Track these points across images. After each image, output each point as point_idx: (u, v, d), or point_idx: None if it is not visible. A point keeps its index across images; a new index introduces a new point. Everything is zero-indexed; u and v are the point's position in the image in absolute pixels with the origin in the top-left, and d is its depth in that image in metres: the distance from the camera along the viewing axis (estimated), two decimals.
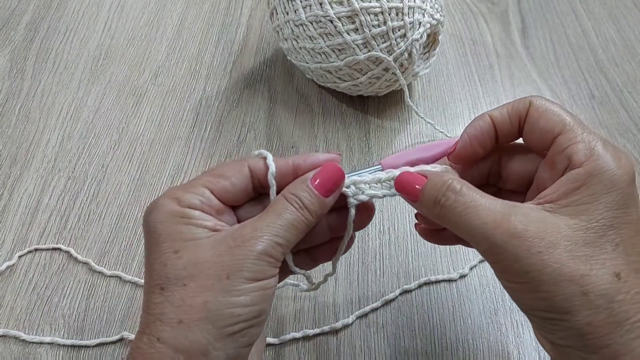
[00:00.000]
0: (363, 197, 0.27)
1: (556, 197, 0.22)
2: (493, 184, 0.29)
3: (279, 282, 0.29)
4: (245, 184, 0.25)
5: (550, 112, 0.24)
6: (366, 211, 0.28)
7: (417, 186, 0.25)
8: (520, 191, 0.27)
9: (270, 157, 0.26)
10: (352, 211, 0.27)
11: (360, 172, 0.28)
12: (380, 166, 0.29)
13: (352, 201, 0.27)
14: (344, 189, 0.26)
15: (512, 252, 0.21)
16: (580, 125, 0.24)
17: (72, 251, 0.39)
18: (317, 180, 0.25)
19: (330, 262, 0.29)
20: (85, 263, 0.39)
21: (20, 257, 0.39)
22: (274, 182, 0.25)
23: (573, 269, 0.20)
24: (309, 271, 0.29)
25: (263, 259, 0.22)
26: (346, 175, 0.27)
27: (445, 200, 0.23)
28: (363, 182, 0.27)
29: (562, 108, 0.25)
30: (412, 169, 0.27)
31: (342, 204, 0.27)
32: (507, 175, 0.28)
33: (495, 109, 0.26)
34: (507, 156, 0.28)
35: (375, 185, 0.27)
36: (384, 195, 0.27)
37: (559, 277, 0.20)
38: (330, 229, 0.28)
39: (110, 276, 0.38)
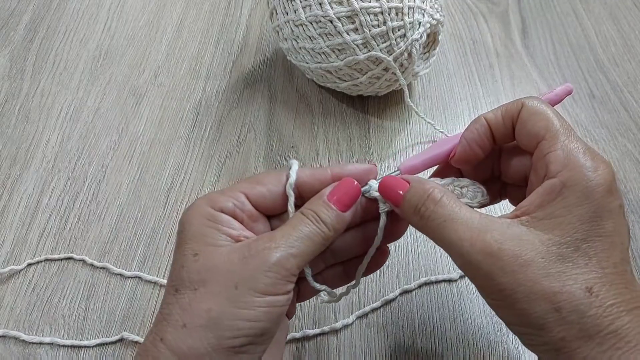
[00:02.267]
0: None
1: (532, 209, 0.22)
2: (497, 177, 0.29)
3: (301, 301, 0.29)
4: (282, 191, 0.25)
5: (538, 115, 0.24)
6: (401, 221, 0.28)
7: (399, 192, 0.25)
8: (523, 185, 0.27)
9: (294, 168, 0.26)
10: (384, 217, 0.26)
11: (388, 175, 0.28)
12: (398, 171, 0.28)
13: (383, 207, 0.26)
14: (375, 194, 0.26)
15: (486, 270, 0.21)
16: (565, 131, 0.23)
17: (87, 259, 0.39)
18: (335, 196, 0.25)
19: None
20: (103, 268, 0.38)
21: (30, 265, 0.38)
22: (292, 193, 0.25)
23: (545, 286, 0.20)
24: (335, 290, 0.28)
25: (276, 270, 0.22)
26: (377, 180, 0.27)
27: (425, 210, 0.23)
28: None
29: (553, 111, 0.24)
30: (441, 182, 0.27)
31: (377, 214, 0.27)
32: (506, 172, 0.28)
33: (491, 111, 0.26)
34: (506, 155, 0.28)
35: None
36: None
37: (532, 295, 0.20)
38: (364, 242, 0.28)
39: (131, 277, 0.38)
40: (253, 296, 0.22)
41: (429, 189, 0.24)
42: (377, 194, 0.26)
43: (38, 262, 0.39)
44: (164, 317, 0.22)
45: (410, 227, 0.40)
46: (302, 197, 0.26)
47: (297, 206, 0.26)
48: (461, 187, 0.26)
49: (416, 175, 0.28)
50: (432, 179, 0.28)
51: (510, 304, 0.21)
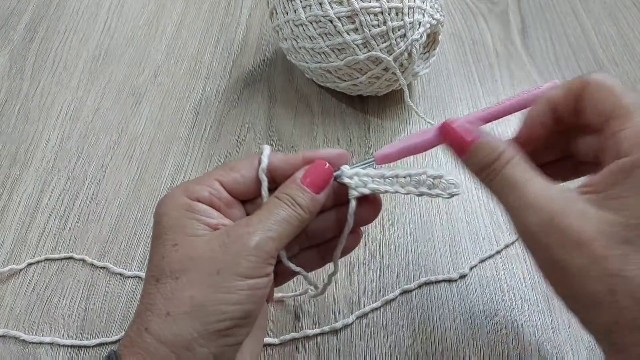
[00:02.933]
0: (364, 190, 0.27)
1: (601, 188, 0.21)
2: (570, 156, 0.28)
3: (277, 286, 0.29)
4: (255, 176, 0.26)
5: (604, 91, 0.22)
6: (372, 204, 0.28)
7: (469, 138, 0.24)
8: (595, 162, 0.26)
9: (266, 152, 0.26)
10: (353, 203, 0.27)
11: (361, 163, 0.28)
12: (373, 160, 0.28)
13: (353, 193, 0.27)
14: (346, 179, 0.27)
15: (544, 242, 0.21)
16: (636, 108, 0.21)
17: (87, 258, 0.39)
18: (307, 179, 0.25)
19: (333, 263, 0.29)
20: (103, 268, 0.38)
21: (30, 264, 0.38)
22: (264, 177, 0.26)
23: (603, 266, 0.20)
24: (309, 273, 0.29)
25: (256, 254, 0.22)
26: (350, 167, 0.27)
27: (492, 170, 0.23)
28: (367, 175, 0.27)
29: (621, 86, 0.22)
30: (413, 172, 0.27)
31: (348, 198, 0.27)
32: (578, 151, 0.26)
33: (552, 89, 0.25)
34: (575, 133, 0.26)
35: (379, 179, 0.27)
36: (386, 191, 0.27)
37: (588, 274, 0.20)
38: (338, 224, 0.28)
39: (131, 277, 0.38)
40: (236, 280, 0.22)
41: (501, 147, 0.23)
42: (348, 180, 0.27)
43: (38, 262, 0.39)
44: (147, 307, 0.22)
45: (408, 227, 0.41)
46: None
47: (271, 190, 0.26)
48: (433, 178, 0.26)
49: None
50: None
51: (563, 279, 0.21)
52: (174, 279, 0.22)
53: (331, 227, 0.28)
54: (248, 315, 0.23)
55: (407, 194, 0.27)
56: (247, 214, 0.27)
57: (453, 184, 0.26)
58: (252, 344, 0.26)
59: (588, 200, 0.21)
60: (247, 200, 0.27)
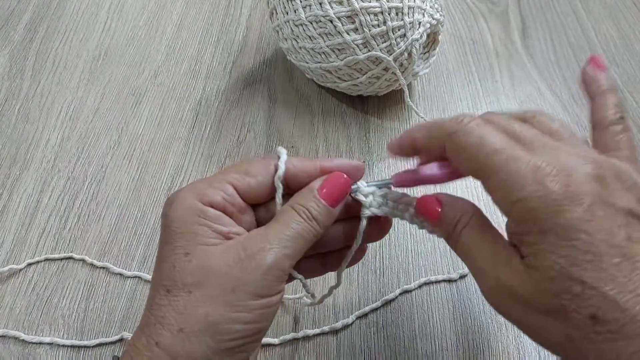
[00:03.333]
0: (377, 211, 0.26)
1: (517, 240, 0.21)
2: None
3: None
4: (270, 182, 0.25)
5: (462, 157, 0.22)
6: (382, 225, 0.28)
7: (435, 213, 0.24)
8: None
9: (283, 158, 0.25)
10: (364, 222, 0.26)
11: (378, 183, 0.27)
12: (390, 182, 0.27)
13: (365, 212, 0.26)
14: (361, 197, 0.26)
15: (497, 307, 0.22)
16: (496, 161, 0.21)
17: (87, 258, 0.39)
18: (324, 190, 0.24)
19: (335, 273, 0.29)
20: (103, 268, 0.38)
21: (30, 264, 0.38)
22: (280, 185, 0.25)
23: (550, 322, 0.20)
24: (307, 281, 0.28)
25: (272, 273, 0.22)
26: (367, 184, 0.26)
27: (455, 233, 0.23)
28: (383, 197, 0.26)
29: (477, 139, 0.21)
30: (379, 192, 0.27)
31: (359, 212, 0.27)
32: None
33: (420, 129, 0.25)
34: None
35: (393, 203, 0.26)
36: (395, 217, 0.27)
37: (541, 332, 0.20)
38: (345, 237, 0.28)
39: (131, 277, 0.38)
40: (250, 299, 0.22)
41: (457, 216, 0.23)
42: (363, 198, 0.26)
43: (38, 262, 0.38)
44: (157, 319, 0.22)
45: (408, 227, 0.41)
46: (290, 187, 0.26)
47: (284, 196, 0.26)
48: (394, 200, 0.26)
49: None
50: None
51: (528, 333, 0.21)
52: (186, 292, 0.22)
53: (337, 238, 0.28)
54: (260, 332, 0.22)
55: (420, 228, 0.27)
56: (257, 219, 0.26)
57: (410, 211, 0.26)
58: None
59: (517, 257, 0.21)
60: (258, 204, 0.26)
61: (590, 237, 0.19)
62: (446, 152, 0.23)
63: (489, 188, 0.21)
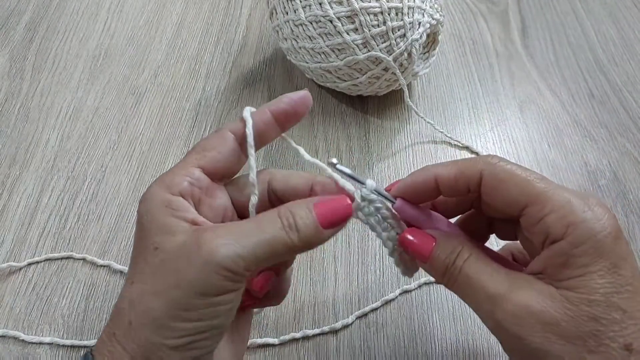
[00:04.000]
0: (362, 218, 0.25)
1: (551, 272, 0.21)
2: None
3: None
4: (232, 150, 0.24)
5: (508, 182, 0.22)
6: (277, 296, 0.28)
7: (428, 248, 0.24)
8: (508, 219, 0.25)
9: (249, 120, 0.24)
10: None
11: (383, 196, 0.25)
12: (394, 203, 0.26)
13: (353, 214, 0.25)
14: (357, 197, 0.24)
15: (514, 331, 0.21)
16: (548, 188, 0.21)
17: (88, 257, 0.39)
18: (322, 206, 0.22)
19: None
20: (106, 266, 0.38)
21: (30, 264, 0.38)
22: (252, 151, 0.23)
23: (580, 345, 0.20)
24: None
25: (220, 272, 0.20)
26: (372, 190, 0.25)
27: (454, 270, 0.23)
28: (377, 208, 0.25)
29: (524, 171, 0.22)
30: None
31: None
32: (487, 210, 0.25)
33: (443, 166, 0.24)
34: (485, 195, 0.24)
35: (382, 219, 0.25)
36: (373, 231, 0.25)
37: (566, 356, 0.20)
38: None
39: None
40: (195, 298, 0.20)
41: (458, 247, 0.23)
42: (357, 199, 0.24)
43: (38, 262, 0.38)
44: (118, 310, 0.22)
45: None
46: (275, 201, 0.25)
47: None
48: (384, 217, 0.25)
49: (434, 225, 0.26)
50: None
51: None
52: (142, 283, 0.21)
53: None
54: (212, 329, 0.21)
55: (390, 255, 0.26)
56: (231, 197, 0.25)
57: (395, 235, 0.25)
58: (235, 344, 0.26)
59: (544, 281, 0.21)
60: (230, 181, 0.25)
61: (632, 270, 0.20)
62: (484, 184, 0.23)
63: (537, 214, 0.21)
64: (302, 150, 0.26)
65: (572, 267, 0.20)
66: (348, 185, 0.24)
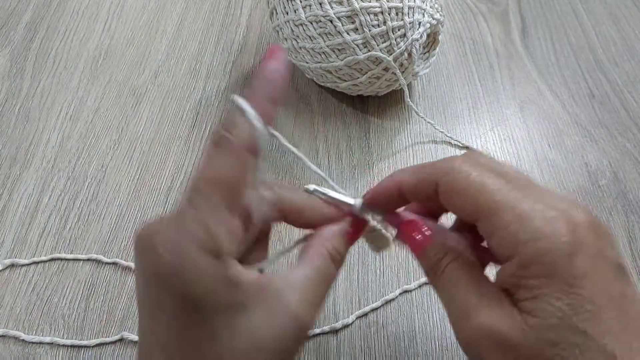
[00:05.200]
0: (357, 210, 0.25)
1: (514, 289, 0.20)
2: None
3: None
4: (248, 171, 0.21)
5: (461, 194, 0.20)
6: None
7: (421, 241, 0.24)
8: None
9: (246, 107, 0.20)
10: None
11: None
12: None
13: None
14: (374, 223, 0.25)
15: (475, 350, 0.20)
16: (502, 200, 0.19)
17: (94, 255, 0.38)
18: (351, 235, 0.24)
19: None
20: (113, 263, 0.39)
21: (35, 263, 0.38)
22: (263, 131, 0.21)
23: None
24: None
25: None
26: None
27: (437, 270, 0.23)
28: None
29: (481, 178, 0.20)
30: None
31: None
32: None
33: (408, 171, 0.24)
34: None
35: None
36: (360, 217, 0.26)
37: None
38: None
39: (132, 276, 0.38)
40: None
41: (446, 250, 0.23)
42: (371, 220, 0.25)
43: (42, 262, 0.38)
44: None
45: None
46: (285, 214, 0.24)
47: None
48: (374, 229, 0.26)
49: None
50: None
51: None
52: None
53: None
54: None
55: (372, 246, 0.27)
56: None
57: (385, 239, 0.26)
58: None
59: (510, 302, 0.20)
60: None
61: (594, 288, 0.18)
62: (440, 193, 0.22)
63: (489, 229, 0.20)
64: (304, 158, 0.26)
65: (525, 289, 0.19)
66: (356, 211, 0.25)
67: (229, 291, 0.19)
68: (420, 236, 0.24)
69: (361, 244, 0.40)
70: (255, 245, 0.25)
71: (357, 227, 0.25)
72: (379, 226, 0.26)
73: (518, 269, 0.19)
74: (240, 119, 0.20)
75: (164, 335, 0.19)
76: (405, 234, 0.25)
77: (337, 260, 0.23)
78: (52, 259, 0.39)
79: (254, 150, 0.20)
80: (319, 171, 0.26)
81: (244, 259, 0.22)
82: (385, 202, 0.25)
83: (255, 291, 0.20)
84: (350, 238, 0.25)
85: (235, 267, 0.19)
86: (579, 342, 0.18)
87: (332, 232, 0.24)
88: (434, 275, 0.23)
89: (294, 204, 0.24)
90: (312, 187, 0.24)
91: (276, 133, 0.23)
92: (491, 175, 0.21)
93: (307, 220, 0.25)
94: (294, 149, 0.25)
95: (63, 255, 0.39)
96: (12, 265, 0.38)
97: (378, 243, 0.27)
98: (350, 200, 0.25)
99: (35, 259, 0.38)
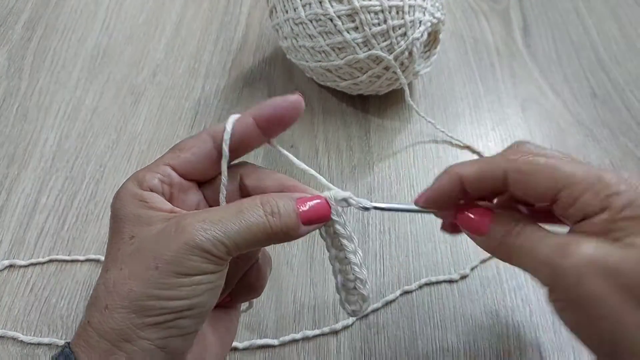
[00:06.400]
0: (337, 223, 0.25)
1: (602, 235, 0.22)
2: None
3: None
4: (207, 152, 0.24)
5: (535, 175, 0.23)
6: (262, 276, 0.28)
7: (486, 220, 0.24)
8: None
9: (230, 121, 0.24)
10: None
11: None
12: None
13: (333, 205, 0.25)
14: (335, 218, 0.25)
15: (574, 278, 0.21)
16: (575, 170, 0.22)
17: (98, 256, 0.38)
18: (305, 204, 0.23)
19: None
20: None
21: (33, 264, 0.38)
22: (226, 151, 0.24)
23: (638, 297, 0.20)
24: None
25: (198, 254, 0.21)
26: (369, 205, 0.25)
27: (516, 235, 0.23)
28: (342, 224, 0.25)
29: (546, 157, 0.23)
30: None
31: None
32: (521, 201, 0.26)
33: (466, 164, 0.25)
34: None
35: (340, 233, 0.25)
36: (328, 235, 0.26)
37: (618, 306, 0.20)
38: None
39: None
40: (173, 277, 0.21)
41: (514, 218, 0.24)
42: (337, 209, 0.25)
43: (40, 264, 0.38)
44: (92, 300, 0.22)
45: (409, 227, 0.40)
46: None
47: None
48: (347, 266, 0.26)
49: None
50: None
51: (598, 314, 0.20)
52: (118, 269, 0.22)
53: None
54: (192, 307, 0.22)
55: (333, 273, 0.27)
56: (205, 199, 0.25)
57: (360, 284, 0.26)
58: (216, 345, 0.26)
59: (603, 240, 0.21)
60: (205, 182, 0.26)
61: None
62: (511, 180, 0.23)
63: (574, 195, 0.22)
64: (291, 157, 0.26)
65: (621, 230, 0.21)
66: (328, 191, 0.25)
67: (137, 204, 0.23)
68: (481, 215, 0.25)
69: (361, 245, 0.40)
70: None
71: (318, 204, 0.24)
72: (340, 223, 0.25)
73: (613, 216, 0.21)
74: (223, 122, 0.25)
75: (108, 245, 0.24)
76: (465, 217, 0.25)
77: (273, 213, 0.22)
78: (50, 261, 0.38)
79: (217, 137, 0.24)
80: (307, 168, 0.26)
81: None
82: (444, 200, 0.26)
83: (166, 215, 0.23)
84: (306, 215, 0.23)
85: (153, 194, 0.23)
86: None
87: (277, 193, 0.24)
88: (510, 238, 0.23)
89: (253, 171, 0.26)
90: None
91: (278, 147, 0.26)
92: (551, 155, 0.23)
93: (265, 189, 0.25)
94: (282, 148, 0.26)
95: (61, 257, 0.38)
96: (11, 266, 0.38)
97: (335, 244, 0.26)
98: (333, 189, 0.25)
99: (34, 260, 0.38)
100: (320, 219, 0.24)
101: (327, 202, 0.24)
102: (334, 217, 0.25)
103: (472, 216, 0.25)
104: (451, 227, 0.29)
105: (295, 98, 0.24)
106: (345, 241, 0.25)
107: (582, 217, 0.22)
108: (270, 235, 0.22)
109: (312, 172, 0.26)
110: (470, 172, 0.24)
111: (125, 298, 0.21)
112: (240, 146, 0.24)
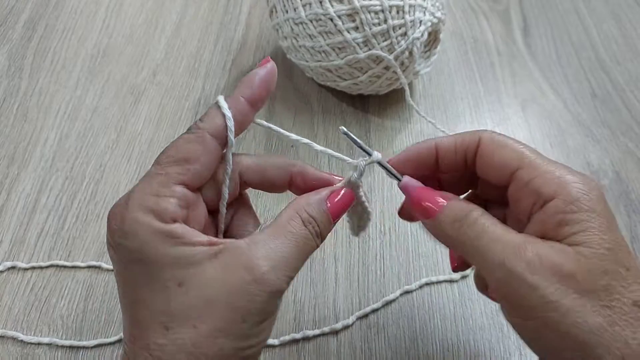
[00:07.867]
0: (354, 181, 0.26)
1: (553, 233, 0.21)
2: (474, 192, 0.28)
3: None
4: (216, 157, 0.23)
5: (504, 147, 0.23)
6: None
7: (438, 204, 0.24)
8: (501, 202, 0.26)
9: (225, 104, 0.23)
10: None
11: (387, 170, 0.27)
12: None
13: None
14: (360, 165, 0.26)
15: (530, 280, 0.20)
16: (539, 156, 0.23)
17: (92, 262, 0.38)
18: (334, 203, 0.24)
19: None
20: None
21: (34, 268, 0.38)
22: (230, 161, 0.23)
23: (594, 299, 0.19)
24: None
25: (278, 296, 0.21)
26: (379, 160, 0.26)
27: (463, 224, 0.23)
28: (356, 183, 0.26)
29: (517, 141, 0.24)
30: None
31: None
32: (482, 174, 0.26)
33: (444, 137, 0.25)
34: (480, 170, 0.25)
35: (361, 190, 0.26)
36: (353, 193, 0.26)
37: (582, 309, 0.19)
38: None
39: None
40: (259, 325, 0.21)
41: (471, 207, 0.23)
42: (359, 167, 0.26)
43: (41, 268, 0.38)
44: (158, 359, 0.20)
45: (409, 227, 0.40)
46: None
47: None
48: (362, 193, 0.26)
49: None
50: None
51: (555, 319, 0.20)
52: (190, 327, 0.20)
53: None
54: (264, 344, 0.22)
55: (354, 225, 0.28)
56: (204, 200, 0.24)
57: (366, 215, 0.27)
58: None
59: (554, 242, 0.21)
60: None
61: (620, 234, 0.21)
62: (481, 150, 0.24)
63: (532, 174, 0.22)
64: (284, 132, 0.26)
65: (572, 224, 0.21)
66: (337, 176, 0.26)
67: (167, 242, 0.20)
68: (440, 198, 0.24)
69: (361, 245, 0.40)
70: (240, 215, 0.27)
71: (345, 199, 0.25)
72: (364, 199, 0.26)
73: (565, 204, 0.21)
74: (214, 110, 0.23)
75: (119, 290, 0.22)
76: (423, 197, 0.25)
77: (317, 234, 0.23)
78: (50, 265, 0.38)
79: (219, 134, 0.23)
80: (303, 139, 0.27)
81: (233, 228, 0.26)
82: (420, 164, 0.26)
83: (209, 249, 0.21)
84: (334, 210, 0.24)
85: (181, 226, 0.21)
86: (623, 275, 0.20)
87: (307, 200, 0.23)
88: (462, 226, 0.23)
89: (254, 165, 0.25)
90: (343, 129, 0.27)
91: (263, 122, 0.26)
92: (522, 143, 0.24)
93: (272, 180, 0.25)
94: (277, 128, 0.26)
95: (62, 262, 0.38)
96: (12, 268, 0.38)
97: (360, 221, 0.27)
98: (370, 152, 0.26)
99: (35, 264, 0.38)
100: (346, 209, 0.25)
101: (351, 190, 0.25)
102: (360, 194, 0.26)
103: (428, 194, 0.24)
104: (408, 214, 0.28)
105: (271, 64, 0.24)
106: (359, 191, 0.26)
107: (535, 201, 0.22)
108: (315, 247, 0.23)
109: (324, 147, 0.27)
110: (447, 142, 0.25)
111: (214, 357, 0.20)
112: (236, 130, 0.23)
